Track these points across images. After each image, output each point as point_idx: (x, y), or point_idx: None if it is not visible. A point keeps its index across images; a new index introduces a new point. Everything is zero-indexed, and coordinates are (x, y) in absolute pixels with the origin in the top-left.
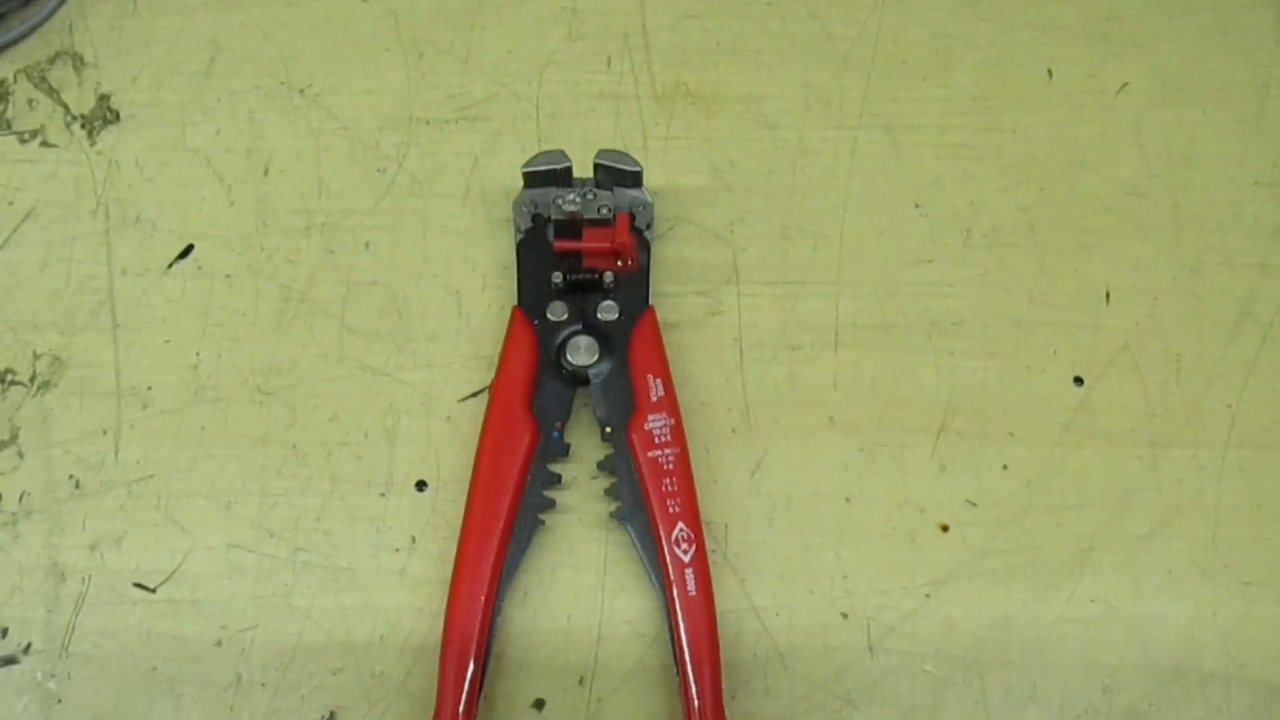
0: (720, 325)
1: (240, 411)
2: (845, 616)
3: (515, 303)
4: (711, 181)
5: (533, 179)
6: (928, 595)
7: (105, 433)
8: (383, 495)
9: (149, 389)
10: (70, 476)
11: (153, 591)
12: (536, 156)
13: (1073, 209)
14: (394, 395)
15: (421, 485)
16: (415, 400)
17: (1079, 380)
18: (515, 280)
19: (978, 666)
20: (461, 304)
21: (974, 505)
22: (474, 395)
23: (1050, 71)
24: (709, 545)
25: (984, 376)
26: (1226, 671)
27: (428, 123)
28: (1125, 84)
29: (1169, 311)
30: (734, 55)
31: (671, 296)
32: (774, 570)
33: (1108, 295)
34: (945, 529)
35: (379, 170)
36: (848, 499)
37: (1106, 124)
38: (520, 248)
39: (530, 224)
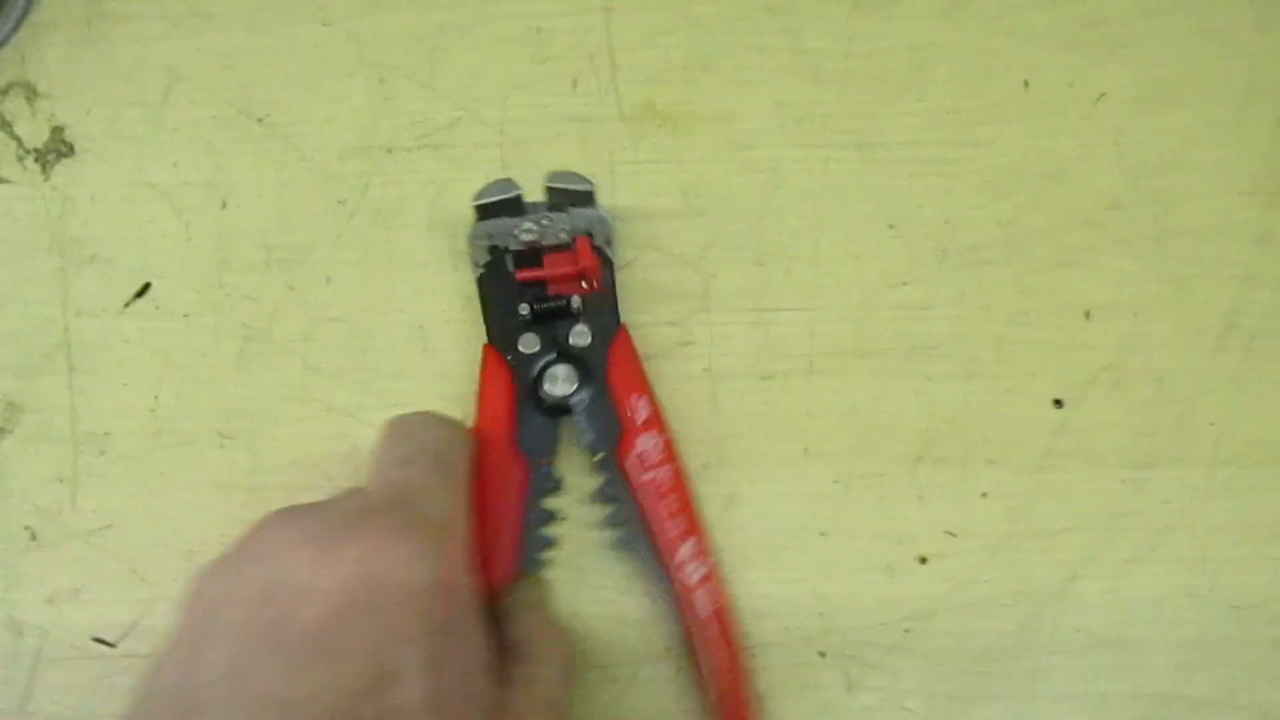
0: (691, 355)
1: (201, 456)
2: (823, 655)
3: (485, 340)
4: (681, 206)
5: (485, 210)
6: (907, 630)
7: (62, 481)
8: None
9: (107, 434)
10: (26, 527)
11: (113, 646)
12: (486, 188)
13: (1052, 224)
14: (358, 436)
15: None
16: None
17: (1059, 402)
18: (481, 315)
19: (962, 702)
20: (427, 339)
21: (953, 535)
22: None
23: (1027, 82)
24: None
25: (963, 401)
26: (1216, 698)
27: (390, 151)
28: (1104, 92)
29: (1151, 327)
30: (704, 73)
31: (643, 327)
32: (749, 609)
33: (1088, 313)
34: (924, 560)
35: (340, 202)
36: (823, 533)
37: (1086, 134)
38: (481, 282)
39: (489, 257)
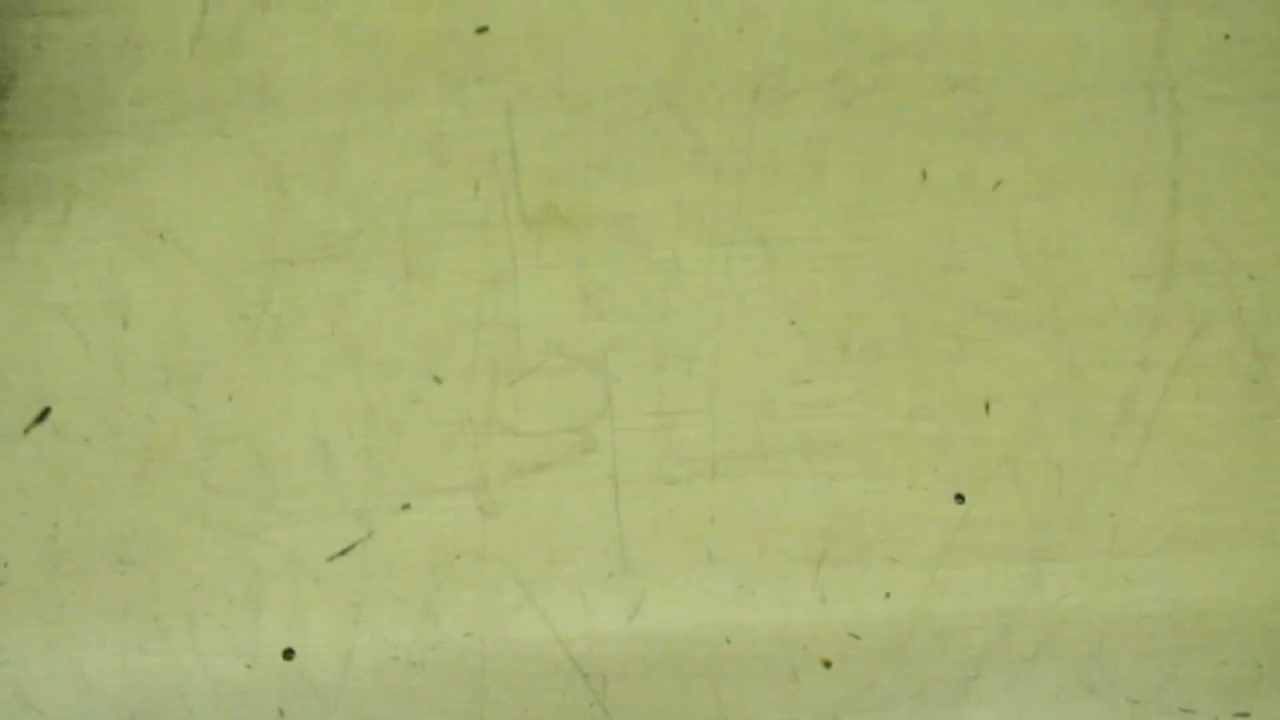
0: (594, 463)
1: (101, 583)
2: None
3: None
4: (583, 309)
5: None
6: None
7: None
8: (248, 666)
9: (4, 565)
10: None
11: None
12: None
13: (950, 314)
14: (259, 557)
15: (289, 653)
16: (281, 561)
17: (960, 497)
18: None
19: None
20: (328, 454)
21: (856, 637)
22: (343, 553)
23: (925, 172)
24: (586, 699)
25: (863, 499)
26: None
27: (292, 263)
28: (1000, 180)
29: (1049, 416)
30: (605, 173)
31: (542, 435)
32: (653, 719)
33: (987, 405)
34: (828, 664)
35: (243, 316)
36: (728, 639)
37: (983, 222)
38: None
39: None
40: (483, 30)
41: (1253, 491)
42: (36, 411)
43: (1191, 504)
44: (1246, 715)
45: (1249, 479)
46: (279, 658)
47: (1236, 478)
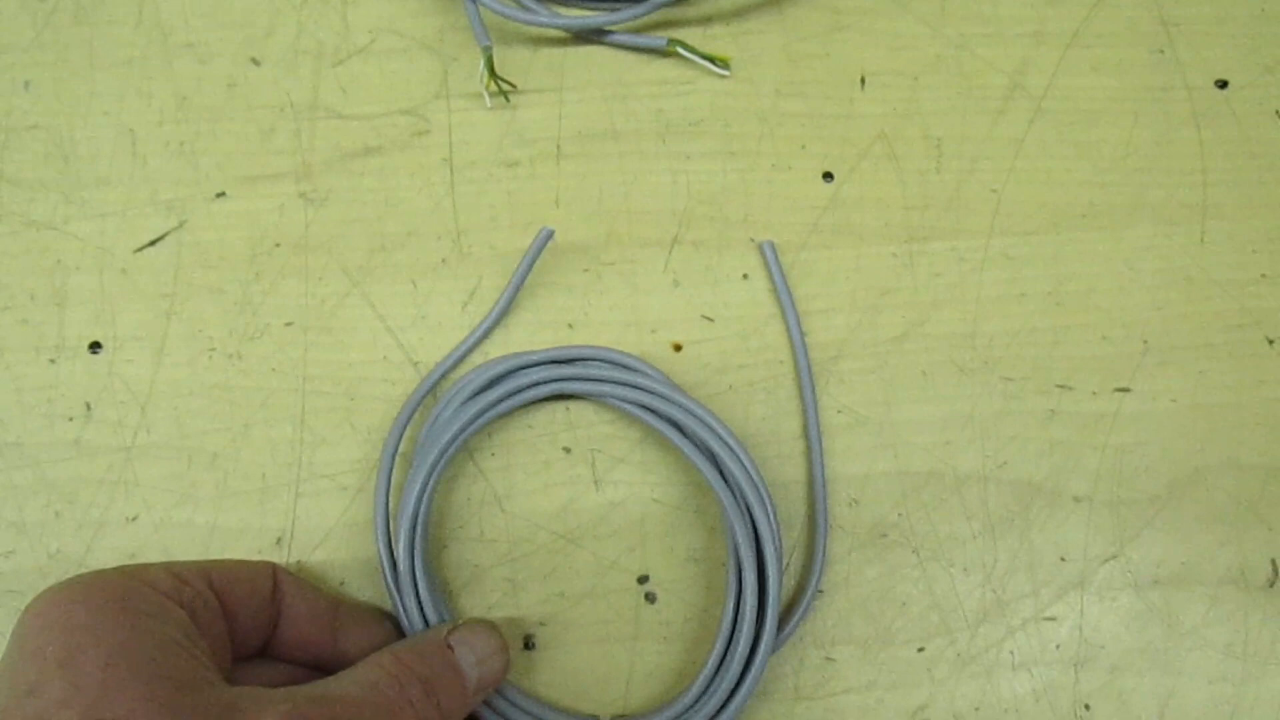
0: (427, 146)
1: None
2: (568, 451)
3: None
4: None
5: None
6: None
7: None
8: (53, 361)
9: None
10: None
11: None
12: None
13: None
14: (62, 250)
15: (95, 346)
16: (86, 254)
17: (829, 175)
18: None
19: (704, 489)
20: (136, 143)
21: (710, 320)
22: (151, 244)
23: None
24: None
25: (724, 180)
26: (983, 472)
27: None
28: None
29: (930, 93)
30: None
31: (371, 118)
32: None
33: (863, 80)
34: (678, 348)
35: None
36: (570, 324)
37: None
38: None
39: None
40: None
41: (1149, 167)
42: None
43: (1082, 180)
44: (1127, 389)
45: (1146, 154)
46: (85, 352)
47: (1132, 153)
